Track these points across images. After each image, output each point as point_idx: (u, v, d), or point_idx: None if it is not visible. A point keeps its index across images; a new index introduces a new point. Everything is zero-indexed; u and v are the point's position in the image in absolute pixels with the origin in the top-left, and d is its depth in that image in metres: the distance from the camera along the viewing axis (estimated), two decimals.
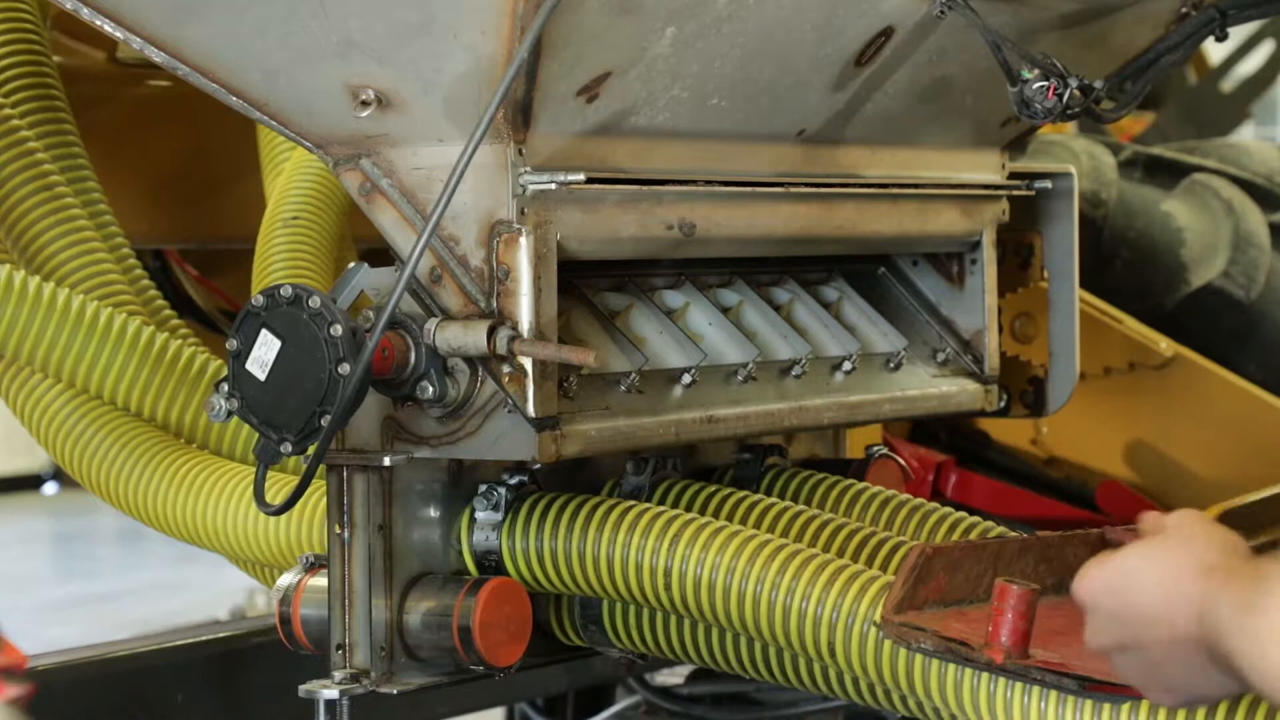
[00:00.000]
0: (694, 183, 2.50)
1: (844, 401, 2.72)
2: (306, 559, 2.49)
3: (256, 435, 2.34)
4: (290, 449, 2.31)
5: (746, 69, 2.49)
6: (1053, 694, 2.12)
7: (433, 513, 2.45)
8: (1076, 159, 4.12)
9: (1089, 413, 3.80)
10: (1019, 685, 2.14)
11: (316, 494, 2.63)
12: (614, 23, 2.30)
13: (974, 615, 2.15)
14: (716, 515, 2.49)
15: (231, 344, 2.33)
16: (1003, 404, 3.00)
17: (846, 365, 2.73)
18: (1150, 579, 1.82)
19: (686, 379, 2.52)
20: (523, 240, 2.31)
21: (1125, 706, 2.08)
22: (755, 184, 2.59)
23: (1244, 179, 4.15)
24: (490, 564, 2.47)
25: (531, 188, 2.31)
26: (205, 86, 2.37)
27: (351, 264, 2.39)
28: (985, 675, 2.16)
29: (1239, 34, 5.16)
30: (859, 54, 2.59)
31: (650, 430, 2.46)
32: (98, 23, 2.35)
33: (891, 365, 2.82)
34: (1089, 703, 2.09)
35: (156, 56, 2.36)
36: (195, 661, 3.08)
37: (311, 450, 2.30)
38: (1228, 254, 4.05)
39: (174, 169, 3.89)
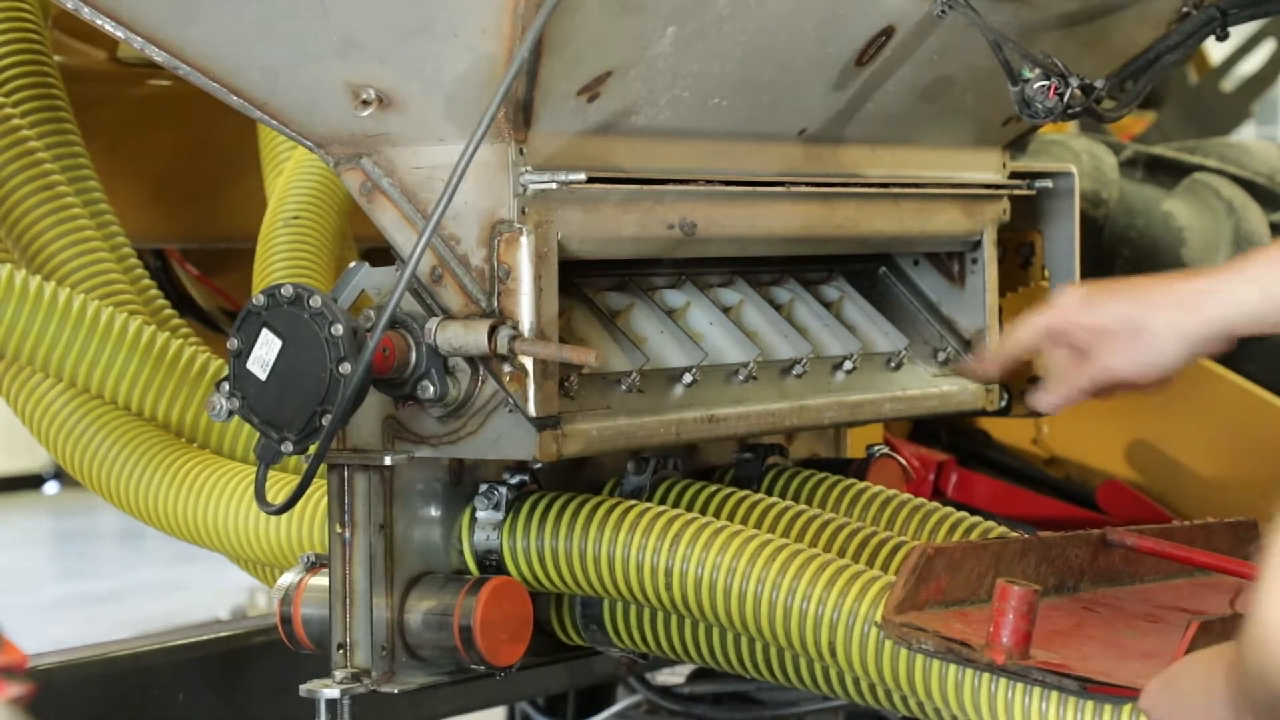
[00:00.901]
0: (695, 182, 2.50)
1: (845, 401, 2.72)
2: (307, 558, 2.49)
3: (257, 434, 2.34)
4: (291, 448, 2.31)
5: (747, 68, 2.49)
6: (1054, 695, 2.11)
7: (433, 512, 2.45)
8: (1077, 158, 4.12)
9: (1090, 412, 3.78)
10: (1020, 686, 2.13)
11: (317, 493, 2.63)
12: (615, 22, 2.30)
13: (975, 616, 2.15)
14: (717, 515, 2.49)
15: (232, 343, 2.33)
16: (1004, 403, 3.00)
17: (847, 365, 2.73)
18: (1196, 677, 1.84)
19: (687, 378, 2.52)
20: (524, 240, 2.31)
21: (1127, 707, 2.08)
22: (756, 183, 2.59)
23: (1245, 178, 4.15)
24: (491, 563, 2.47)
25: (532, 187, 2.32)
26: (206, 86, 2.37)
27: (352, 263, 2.39)
28: (986, 676, 2.16)
29: (1240, 33, 5.16)
30: (860, 53, 2.59)
31: (651, 430, 2.46)
32: (98, 22, 2.35)
33: (892, 365, 2.82)
34: (1090, 704, 2.09)
35: (157, 56, 2.36)
36: (196, 661, 3.08)
37: (312, 450, 2.30)
38: (1228, 253, 4.05)
39: (175, 168, 3.89)
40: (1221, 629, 2.04)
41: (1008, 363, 2.38)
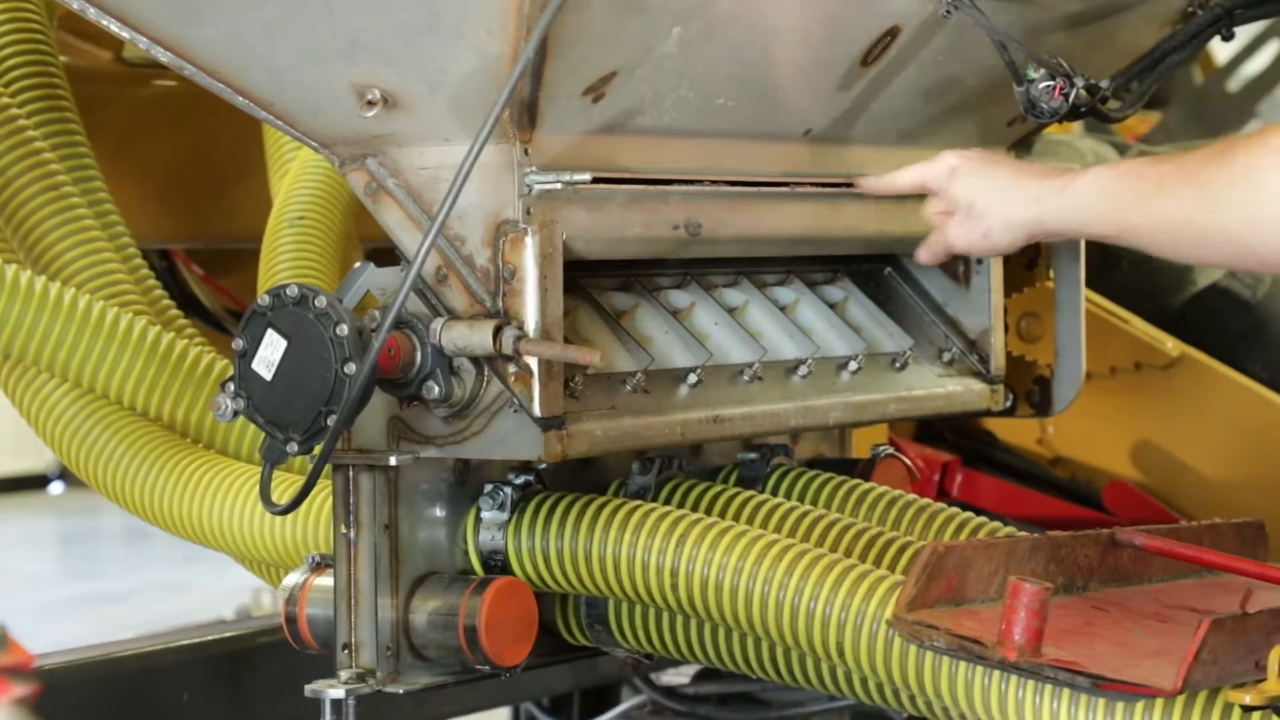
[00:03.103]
0: (700, 182, 2.50)
1: (850, 401, 2.72)
2: (312, 559, 2.49)
3: (262, 435, 2.34)
4: (296, 449, 2.31)
5: (752, 69, 2.48)
6: (1065, 693, 2.11)
7: (438, 512, 2.45)
8: (1083, 159, 4.11)
9: (1095, 413, 3.79)
10: (1030, 684, 2.13)
11: (323, 494, 2.63)
12: (620, 22, 2.30)
13: (986, 614, 2.15)
14: (722, 515, 2.49)
15: (237, 344, 2.33)
16: (1008, 404, 2.99)
17: (852, 365, 2.73)
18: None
19: (692, 379, 2.52)
20: (528, 240, 2.31)
21: (1139, 705, 2.07)
22: (761, 184, 2.58)
23: None
24: (496, 563, 2.47)
25: (537, 187, 2.31)
26: (211, 86, 2.37)
27: (357, 264, 2.39)
28: (996, 674, 2.16)
29: (1245, 33, 5.16)
30: (865, 53, 2.59)
31: (656, 430, 2.46)
32: (104, 22, 2.35)
33: (897, 365, 2.82)
34: (1101, 701, 2.09)
35: (163, 56, 2.36)
36: (201, 661, 3.08)
37: (318, 450, 2.30)
38: None
39: (180, 168, 3.89)
40: (1233, 626, 2.04)
41: (884, 193, 2.62)
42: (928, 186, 2.53)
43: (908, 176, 2.56)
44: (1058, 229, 2.44)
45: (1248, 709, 2.03)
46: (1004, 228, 2.45)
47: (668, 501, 2.55)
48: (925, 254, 2.58)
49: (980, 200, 2.46)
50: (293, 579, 2.49)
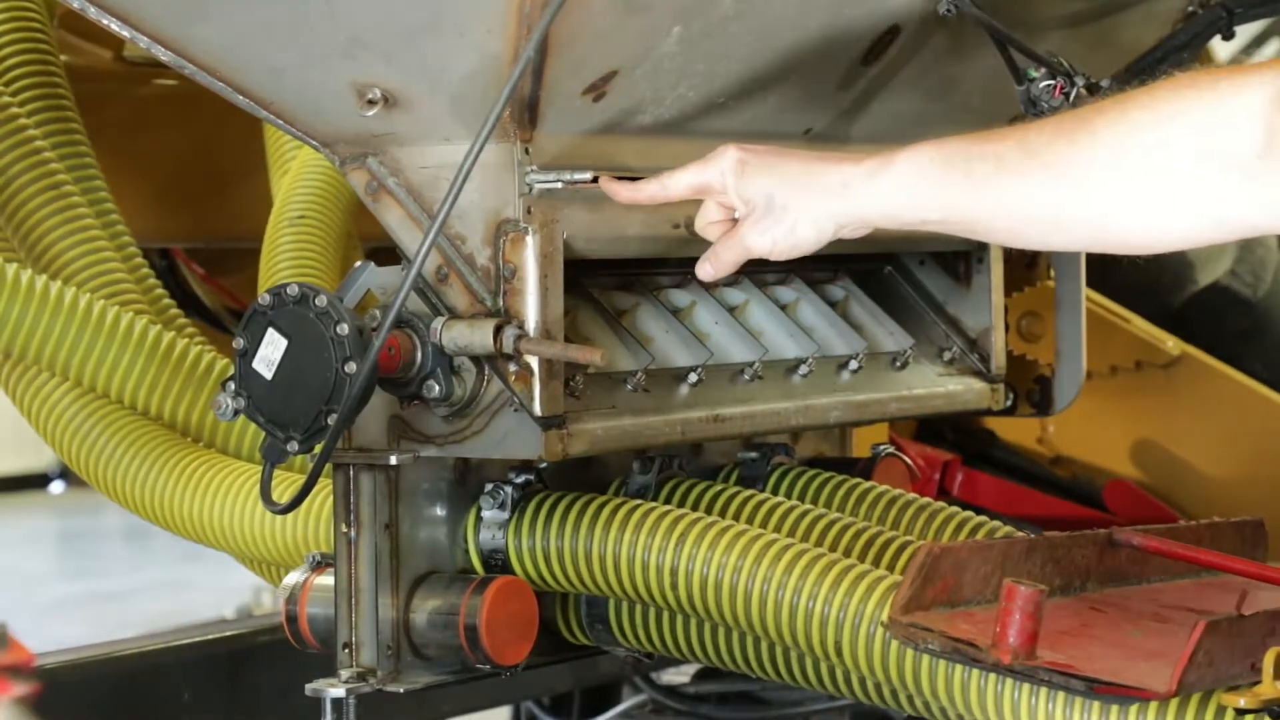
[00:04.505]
0: None
1: (850, 400, 2.72)
2: (313, 558, 2.49)
3: (263, 434, 2.34)
4: (297, 448, 2.31)
5: (753, 68, 2.49)
6: (1060, 695, 2.11)
7: (439, 511, 2.45)
8: None
9: (1095, 412, 3.79)
10: (1026, 686, 2.14)
11: (323, 493, 2.63)
12: (621, 21, 2.30)
13: (981, 616, 2.15)
14: (723, 514, 2.49)
15: (238, 343, 2.33)
16: (1009, 403, 2.99)
17: (853, 364, 2.73)
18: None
19: (692, 378, 2.52)
20: (529, 239, 2.31)
21: (1133, 708, 2.07)
22: None
23: None
24: (497, 563, 2.47)
25: (538, 186, 2.32)
26: (212, 85, 2.37)
27: (358, 263, 2.39)
28: (992, 676, 2.16)
29: (1245, 32, 5.15)
30: (866, 52, 2.59)
31: (656, 429, 2.46)
32: (105, 21, 2.35)
33: (898, 364, 2.82)
34: (1096, 704, 2.09)
35: (163, 55, 2.36)
36: (202, 660, 3.08)
37: (318, 449, 2.30)
38: (1235, 252, 4.04)
39: (180, 167, 3.90)
40: (1229, 628, 2.04)
41: (655, 202, 2.30)
42: (709, 188, 2.24)
43: (684, 179, 2.25)
44: (873, 217, 2.18)
45: (1242, 712, 2.03)
46: (810, 221, 2.18)
47: (668, 501, 2.55)
48: (710, 269, 2.26)
49: (780, 193, 2.19)
50: (293, 578, 2.49)
